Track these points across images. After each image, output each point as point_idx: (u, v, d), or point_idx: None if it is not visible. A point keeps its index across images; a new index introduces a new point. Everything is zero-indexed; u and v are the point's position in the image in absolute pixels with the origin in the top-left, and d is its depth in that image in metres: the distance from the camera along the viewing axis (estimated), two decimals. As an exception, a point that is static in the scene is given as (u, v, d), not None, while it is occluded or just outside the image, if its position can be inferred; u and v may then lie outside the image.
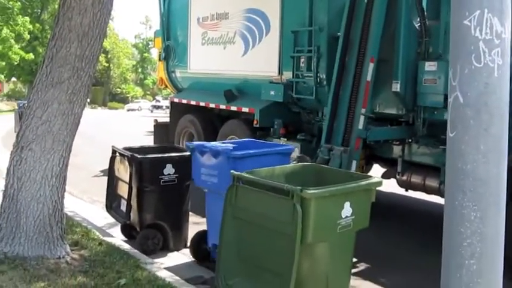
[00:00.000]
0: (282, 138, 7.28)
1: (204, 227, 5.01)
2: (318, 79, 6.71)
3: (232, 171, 3.81)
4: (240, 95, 8.29)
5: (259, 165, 4.08)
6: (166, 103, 34.69)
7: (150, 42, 58.60)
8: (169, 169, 5.23)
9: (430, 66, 5.53)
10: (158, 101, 47.86)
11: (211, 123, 9.03)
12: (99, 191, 6.98)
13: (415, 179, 6.17)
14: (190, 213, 5.58)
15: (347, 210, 3.51)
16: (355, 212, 3.55)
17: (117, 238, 5.55)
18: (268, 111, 7.53)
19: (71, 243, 4.89)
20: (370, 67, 5.72)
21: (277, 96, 7.32)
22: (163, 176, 5.21)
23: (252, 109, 7.70)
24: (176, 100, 10.01)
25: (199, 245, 5.01)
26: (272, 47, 7.56)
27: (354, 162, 5.69)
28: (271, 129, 7.47)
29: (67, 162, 4.66)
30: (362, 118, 5.72)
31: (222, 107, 8.50)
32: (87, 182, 9.03)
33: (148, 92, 63.58)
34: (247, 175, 3.75)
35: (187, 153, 4.98)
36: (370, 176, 3.96)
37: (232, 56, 8.42)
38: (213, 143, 4.95)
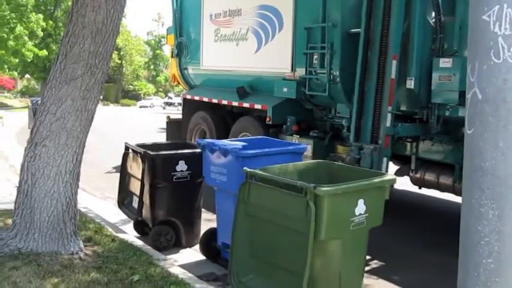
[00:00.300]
0: (294, 135, 7.25)
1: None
2: (331, 76, 6.65)
3: (245, 168, 3.79)
4: (252, 91, 8.27)
5: (269, 165, 4.04)
6: (179, 100, 34.84)
7: (162, 39, 58.82)
8: (181, 166, 5.23)
9: (444, 62, 5.46)
10: (170, 97, 47.93)
11: (224, 120, 9.02)
12: (111, 188, 7.00)
13: (429, 176, 6.13)
14: (202, 209, 5.59)
15: (361, 207, 3.49)
16: (368, 210, 3.53)
17: (130, 234, 5.57)
18: (281, 108, 7.51)
19: (84, 239, 4.91)
20: (394, 64, 5.67)
21: (290, 93, 7.30)
22: (175, 173, 5.21)
23: (265, 106, 7.68)
24: (188, 97, 10.02)
25: (209, 243, 5.00)
26: (285, 43, 7.53)
27: (385, 160, 5.70)
28: (284, 126, 7.45)
29: (80, 159, 4.68)
30: (389, 115, 5.69)
31: (235, 103, 8.49)
32: (100, 179, 9.07)
33: (160, 89, 63.77)
34: (260, 172, 3.74)
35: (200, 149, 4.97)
36: (384, 173, 3.93)
37: (245, 53, 8.39)
38: (223, 141, 4.93)
